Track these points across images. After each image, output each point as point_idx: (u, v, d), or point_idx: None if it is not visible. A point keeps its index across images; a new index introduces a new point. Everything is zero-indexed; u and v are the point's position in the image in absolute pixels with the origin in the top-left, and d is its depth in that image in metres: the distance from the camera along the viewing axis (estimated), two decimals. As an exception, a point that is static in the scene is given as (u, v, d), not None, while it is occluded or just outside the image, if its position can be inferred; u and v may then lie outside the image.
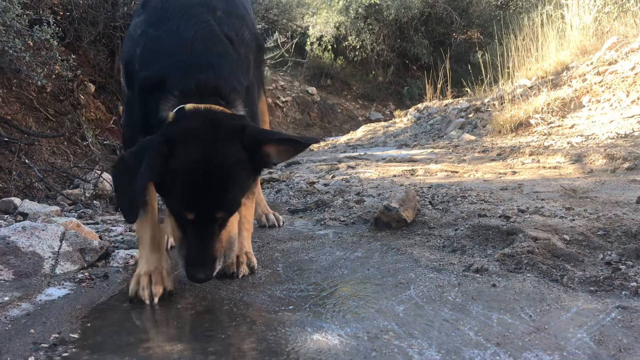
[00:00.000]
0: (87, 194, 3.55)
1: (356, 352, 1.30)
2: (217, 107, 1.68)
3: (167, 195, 1.66)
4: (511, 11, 14.14)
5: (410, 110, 11.00)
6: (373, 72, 15.85)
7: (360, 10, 14.59)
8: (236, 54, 1.90)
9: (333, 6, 14.66)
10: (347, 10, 14.62)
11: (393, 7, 14.23)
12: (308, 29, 14.86)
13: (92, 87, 5.65)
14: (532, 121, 6.65)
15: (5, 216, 2.93)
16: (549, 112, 6.67)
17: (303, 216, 3.07)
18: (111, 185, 3.78)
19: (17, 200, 3.09)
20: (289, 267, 2.06)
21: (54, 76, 4.55)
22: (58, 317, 1.59)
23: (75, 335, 1.46)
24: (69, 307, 1.69)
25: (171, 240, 2.41)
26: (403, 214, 2.52)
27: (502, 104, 7.39)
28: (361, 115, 14.62)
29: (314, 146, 9.34)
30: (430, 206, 2.81)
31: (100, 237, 2.47)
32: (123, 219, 2.69)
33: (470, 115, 8.38)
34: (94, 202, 3.50)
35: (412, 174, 4.45)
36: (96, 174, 3.78)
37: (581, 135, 5.52)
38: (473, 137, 7.22)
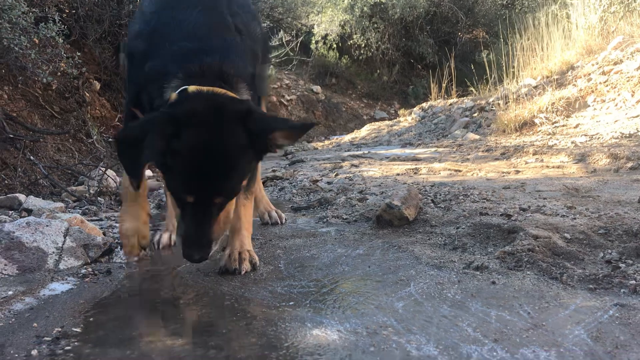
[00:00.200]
0: (91, 191, 3.57)
1: (355, 347, 1.31)
2: (220, 90, 1.69)
3: (167, 174, 1.68)
4: (517, 10, 14.09)
5: (414, 109, 10.98)
6: (378, 71, 15.81)
7: (365, 8, 14.57)
8: (244, 43, 1.93)
9: (338, 5, 14.64)
10: (352, 8, 14.60)
11: (398, 5, 14.20)
12: (313, 28, 14.84)
13: (98, 85, 5.68)
14: (537, 120, 6.64)
15: (10, 212, 2.96)
16: (553, 112, 6.65)
17: (306, 214, 3.08)
18: (115, 182, 3.80)
19: (21, 197, 3.12)
20: (290, 264, 2.08)
21: (59, 73, 4.57)
22: (61, 312, 1.61)
23: (78, 330, 1.48)
24: (72, 301, 1.71)
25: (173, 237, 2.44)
26: (405, 212, 2.53)
27: (506, 103, 7.38)
28: (366, 114, 14.61)
29: (318, 145, 9.39)
30: (432, 204, 2.81)
31: (104, 234, 2.49)
32: None
33: (475, 114, 8.37)
34: (98, 198, 3.52)
35: (415, 173, 4.45)
36: (100, 171, 3.80)
37: (585, 135, 5.51)
38: (477, 137, 7.21)
